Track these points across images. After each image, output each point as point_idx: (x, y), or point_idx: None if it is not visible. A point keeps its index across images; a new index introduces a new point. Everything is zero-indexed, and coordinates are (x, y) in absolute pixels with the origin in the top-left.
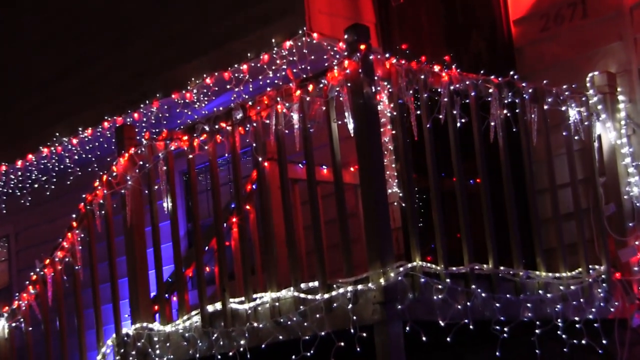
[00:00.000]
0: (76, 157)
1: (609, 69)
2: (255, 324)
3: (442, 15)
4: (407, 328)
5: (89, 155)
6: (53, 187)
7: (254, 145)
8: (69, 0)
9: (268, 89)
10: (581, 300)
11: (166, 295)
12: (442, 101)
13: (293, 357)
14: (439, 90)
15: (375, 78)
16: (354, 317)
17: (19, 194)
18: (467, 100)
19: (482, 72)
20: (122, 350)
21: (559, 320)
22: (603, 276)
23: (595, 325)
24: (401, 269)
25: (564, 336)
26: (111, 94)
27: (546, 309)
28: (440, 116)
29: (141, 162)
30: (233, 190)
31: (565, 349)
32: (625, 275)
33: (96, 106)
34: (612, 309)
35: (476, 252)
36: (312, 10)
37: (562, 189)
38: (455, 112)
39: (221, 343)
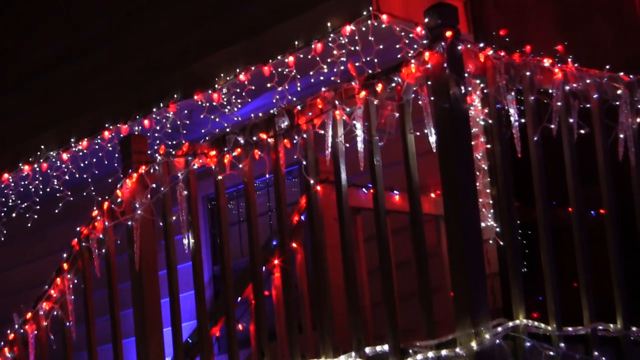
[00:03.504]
0: (67, 177)
1: None
2: None
3: None
4: None
5: (84, 175)
6: (36, 216)
7: (304, 162)
8: None
9: (322, 88)
10: None
11: None
12: (555, 106)
13: None
14: (550, 91)
15: (466, 75)
16: None
17: None
18: (588, 105)
19: (607, 67)
20: None
21: None
22: None
23: None
24: (499, 329)
25: None
26: (114, 93)
27: None
28: (552, 126)
29: (154, 185)
30: (275, 223)
31: None
32: None
33: (94, 109)
34: None
35: (600, 307)
36: None
37: None
38: (571, 120)
39: None
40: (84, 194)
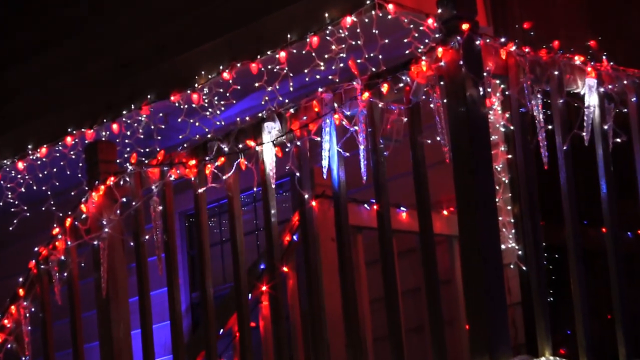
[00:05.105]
0: (23, 189)
1: None
2: None
3: None
4: None
5: (43, 187)
6: None
7: (297, 174)
8: None
9: (319, 89)
10: None
11: None
12: (587, 110)
13: None
14: (582, 93)
15: (485, 74)
16: None
17: None
18: (625, 109)
19: None
20: None
21: None
22: None
23: None
24: None
25: None
26: (79, 93)
27: None
28: (584, 133)
29: (124, 199)
30: (263, 243)
31: None
32: None
33: (55, 111)
34: None
35: (637, 342)
36: None
37: None
38: (606, 126)
39: None
40: (43, 209)
